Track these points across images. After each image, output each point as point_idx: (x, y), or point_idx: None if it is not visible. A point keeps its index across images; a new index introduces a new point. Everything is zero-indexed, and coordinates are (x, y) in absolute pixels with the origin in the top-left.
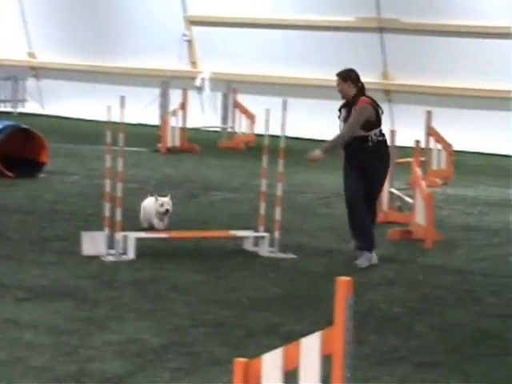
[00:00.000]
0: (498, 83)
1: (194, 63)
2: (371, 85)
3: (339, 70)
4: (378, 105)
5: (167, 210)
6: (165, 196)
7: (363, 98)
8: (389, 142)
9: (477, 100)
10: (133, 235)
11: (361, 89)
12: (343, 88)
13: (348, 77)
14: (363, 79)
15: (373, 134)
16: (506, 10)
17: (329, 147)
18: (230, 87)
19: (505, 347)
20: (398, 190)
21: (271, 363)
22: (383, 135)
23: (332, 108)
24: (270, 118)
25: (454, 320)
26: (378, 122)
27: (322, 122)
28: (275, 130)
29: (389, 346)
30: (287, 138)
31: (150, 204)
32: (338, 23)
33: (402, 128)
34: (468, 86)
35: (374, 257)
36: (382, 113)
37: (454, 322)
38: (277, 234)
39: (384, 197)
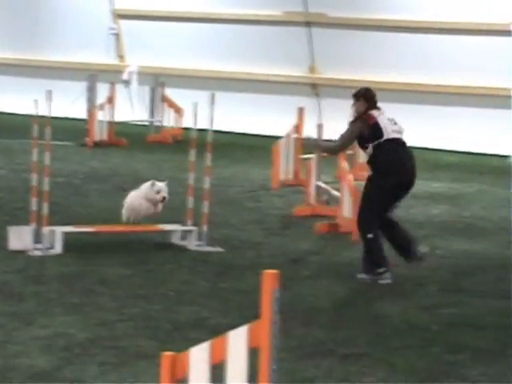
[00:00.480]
0: (424, 77)
1: (121, 57)
2: (298, 79)
3: (266, 63)
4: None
5: (164, 198)
6: (162, 181)
7: (361, 115)
8: (316, 136)
9: (402, 94)
10: (60, 229)
11: (369, 107)
12: (357, 107)
13: (361, 95)
14: (290, 73)
15: (371, 146)
16: (429, 4)
17: (320, 148)
18: (157, 81)
19: (429, 338)
20: (326, 183)
21: (198, 356)
22: (381, 148)
23: (259, 102)
24: (197, 111)
25: (379, 312)
26: (373, 137)
27: (249, 116)
28: (203, 124)
29: (315, 338)
30: (215, 131)
31: (136, 196)
32: (266, 17)
33: (330, 122)
34: (394, 80)
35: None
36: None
37: (379, 314)
38: (204, 228)
39: (311, 190)
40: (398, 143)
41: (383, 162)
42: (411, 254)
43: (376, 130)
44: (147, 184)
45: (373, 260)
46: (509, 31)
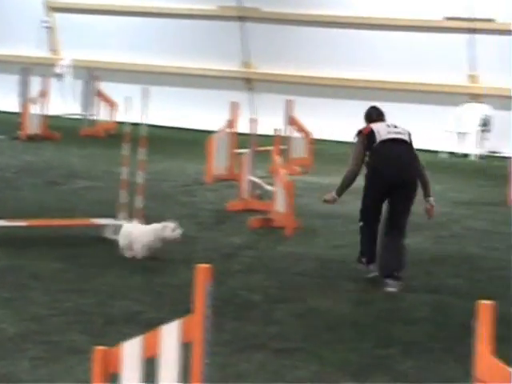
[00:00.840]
0: (356, 72)
1: (54, 50)
2: (232, 73)
3: (200, 58)
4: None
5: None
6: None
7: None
8: (249, 131)
9: (335, 89)
10: None
11: (369, 122)
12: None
13: (364, 118)
14: (224, 68)
15: (368, 153)
16: (361, 1)
17: (341, 189)
18: (91, 74)
19: (360, 333)
20: (259, 178)
21: (131, 351)
22: (375, 150)
23: (193, 96)
24: (131, 105)
25: (312, 306)
26: (370, 143)
27: (183, 110)
28: (137, 118)
29: (248, 332)
30: (149, 126)
31: (143, 232)
32: (199, 11)
33: (264, 116)
34: (327, 75)
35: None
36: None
37: (312, 309)
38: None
39: (245, 185)
40: (394, 142)
41: (372, 162)
42: (380, 273)
43: (371, 136)
44: (158, 226)
45: (361, 247)
46: (437, 27)
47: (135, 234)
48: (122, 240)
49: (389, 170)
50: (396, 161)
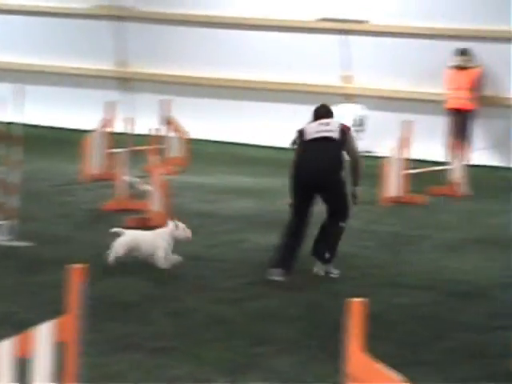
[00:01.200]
0: (232, 72)
1: None
2: (110, 73)
3: (76, 57)
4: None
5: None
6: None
7: None
8: (125, 130)
9: (214, 89)
10: None
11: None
12: None
13: (312, 115)
14: (101, 67)
15: None
16: (241, 1)
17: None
18: None
19: (235, 331)
20: (136, 177)
21: (3, 352)
22: (298, 149)
23: (69, 95)
24: (6, 105)
25: (187, 306)
26: (300, 142)
27: (59, 110)
28: (11, 117)
29: (123, 332)
30: (24, 125)
31: (147, 235)
32: (75, 10)
33: (142, 116)
34: (207, 75)
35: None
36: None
37: (187, 308)
38: (12, 222)
39: (120, 185)
40: (316, 143)
41: (293, 162)
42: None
43: (302, 134)
44: (169, 227)
45: None
46: (313, 28)
47: (149, 241)
48: (122, 248)
49: (304, 171)
50: (310, 164)
